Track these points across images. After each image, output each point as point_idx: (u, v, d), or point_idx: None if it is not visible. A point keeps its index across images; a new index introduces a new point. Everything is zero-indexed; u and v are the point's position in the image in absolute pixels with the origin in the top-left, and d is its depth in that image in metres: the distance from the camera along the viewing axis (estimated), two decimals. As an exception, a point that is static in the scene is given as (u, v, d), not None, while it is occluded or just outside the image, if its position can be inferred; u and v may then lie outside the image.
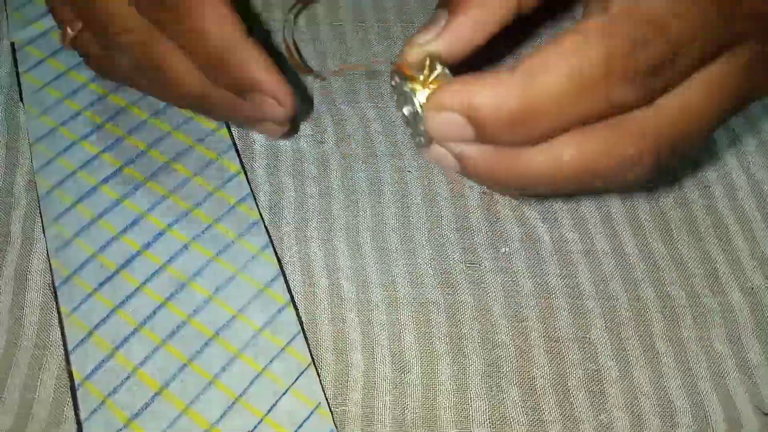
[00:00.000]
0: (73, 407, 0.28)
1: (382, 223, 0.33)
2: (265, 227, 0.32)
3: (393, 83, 0.24)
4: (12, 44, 0.36)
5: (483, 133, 0.21)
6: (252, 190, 0.33)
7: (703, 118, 0.22)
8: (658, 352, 0.30)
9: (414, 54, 0.24)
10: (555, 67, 0.20)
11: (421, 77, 0.23)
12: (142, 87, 0.32)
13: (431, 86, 0.23)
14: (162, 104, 0.35)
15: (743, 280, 0.32)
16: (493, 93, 0.21)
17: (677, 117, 0.22)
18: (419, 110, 0.23)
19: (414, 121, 0.23)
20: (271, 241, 0.32)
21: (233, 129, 0.35)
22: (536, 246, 0.33)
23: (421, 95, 0.23)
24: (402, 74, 0.23)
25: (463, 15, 0.23)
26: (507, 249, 0.33)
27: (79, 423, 0.28)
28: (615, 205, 0.34)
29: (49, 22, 0.37)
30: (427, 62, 0.23)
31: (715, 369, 0.30)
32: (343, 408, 0.29)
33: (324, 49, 0.38)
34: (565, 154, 0.22)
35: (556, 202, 0.34)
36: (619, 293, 0.32)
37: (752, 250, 0.33)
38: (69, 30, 0.30)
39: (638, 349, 0.30)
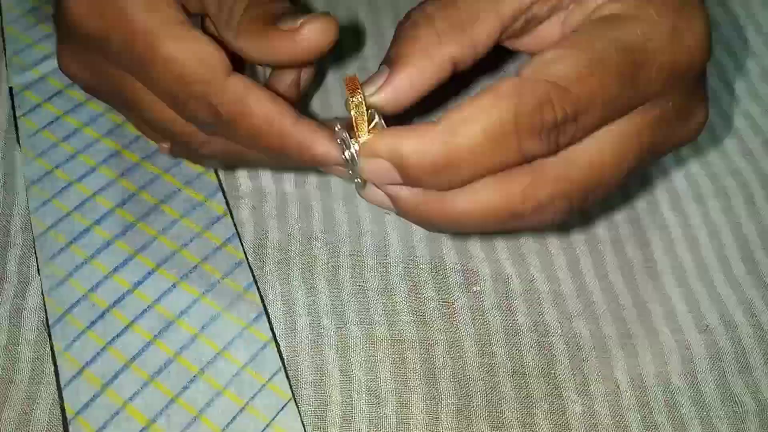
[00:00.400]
0: (65, 441, 0.29)
1: (362, 262, 0.35)
2: (250, 267, 0.34)
3: (336, 128, 0.26)
4: (10, 89, 0.38)
5: (408, 178, 0.24)
6: (237, 231, 0.35)
7: (613, 169, 0.25)
8: (618, 387, 0.32)
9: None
10: (472, 121, 0.23)
11: (362, 125, 0.25)
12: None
13: (368, 134, 0.25)
14: (153, 148, 0.37)
15: (699, 319, 0.34)
16: (418, 143, 0.23)
17: (587, 167, 0.25)
18: (355, 155, 0.25)
19: (351, 164, 0.26)
20: (255, 281, 0.34)
21: (220, 172, 0.37)
22: (505, 285, 0.35)
23: (356, 142, 0.25)
24: (343, 122, 0.26)
25: (402, 73, 0.25)
26: (478, 288, 0.35)
27: (70, 456, 0.29)
28: (580, 247, 0.36)
29: (45, 67, 0.39)
30: (369, 112, 0.25)
31: (672, 402, 0.32)
32: (322, 441, 0.30)
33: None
34: (486, 197, 0.24)
35: (526, 244, 0.36)
36: (582, 330, 0.34)
37: (708, 291, 0.35)
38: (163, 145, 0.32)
39: (600, 384, 0.32)
